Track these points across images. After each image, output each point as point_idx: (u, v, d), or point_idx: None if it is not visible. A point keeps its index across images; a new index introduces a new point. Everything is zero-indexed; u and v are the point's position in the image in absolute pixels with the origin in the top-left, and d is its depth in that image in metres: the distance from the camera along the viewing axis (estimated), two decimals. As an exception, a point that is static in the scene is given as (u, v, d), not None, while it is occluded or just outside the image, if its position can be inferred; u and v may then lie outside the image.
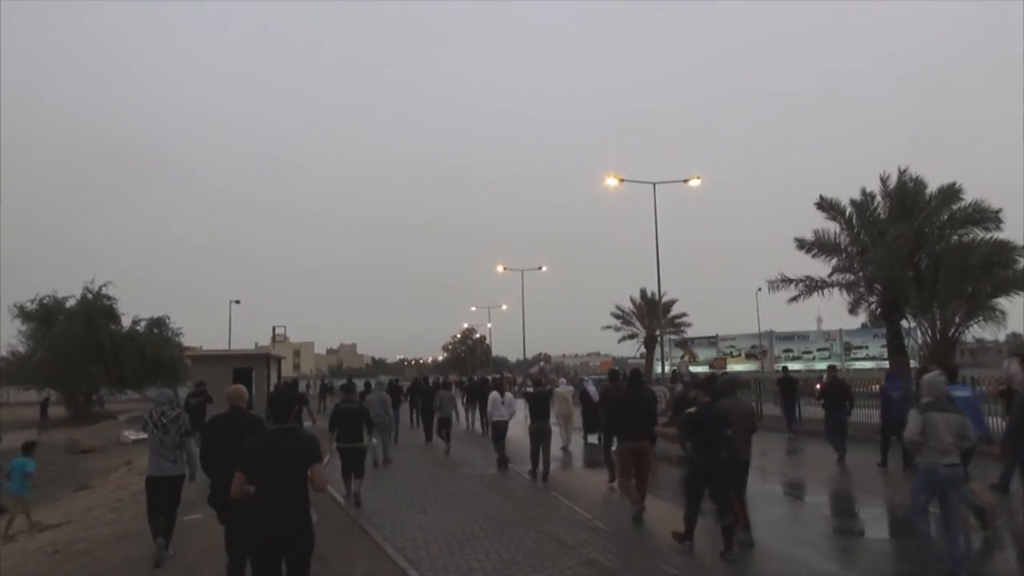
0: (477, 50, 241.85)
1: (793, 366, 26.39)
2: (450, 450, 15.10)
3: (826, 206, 18.63)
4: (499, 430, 12.71)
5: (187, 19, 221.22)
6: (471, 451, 15.31)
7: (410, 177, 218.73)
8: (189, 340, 39.73)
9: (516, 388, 21.17)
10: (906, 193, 17.88)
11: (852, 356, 31.32)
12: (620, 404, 8.79)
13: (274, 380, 21.93)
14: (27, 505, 9.90)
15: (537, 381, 12.95)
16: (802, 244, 18.85)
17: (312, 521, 4.32)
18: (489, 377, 28.09)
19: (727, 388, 7.65)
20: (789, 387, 16.83)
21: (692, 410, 7.10)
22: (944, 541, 5.73)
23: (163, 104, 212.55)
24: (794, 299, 19.04)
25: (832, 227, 18.53)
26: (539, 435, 11.14)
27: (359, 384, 16.21)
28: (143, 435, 8.64)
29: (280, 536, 4.14)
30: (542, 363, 30.16)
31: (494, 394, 13.27)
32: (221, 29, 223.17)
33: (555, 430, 12.41)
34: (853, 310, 19.19)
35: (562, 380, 18.50)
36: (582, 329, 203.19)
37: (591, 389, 15.77)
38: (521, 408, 14.70)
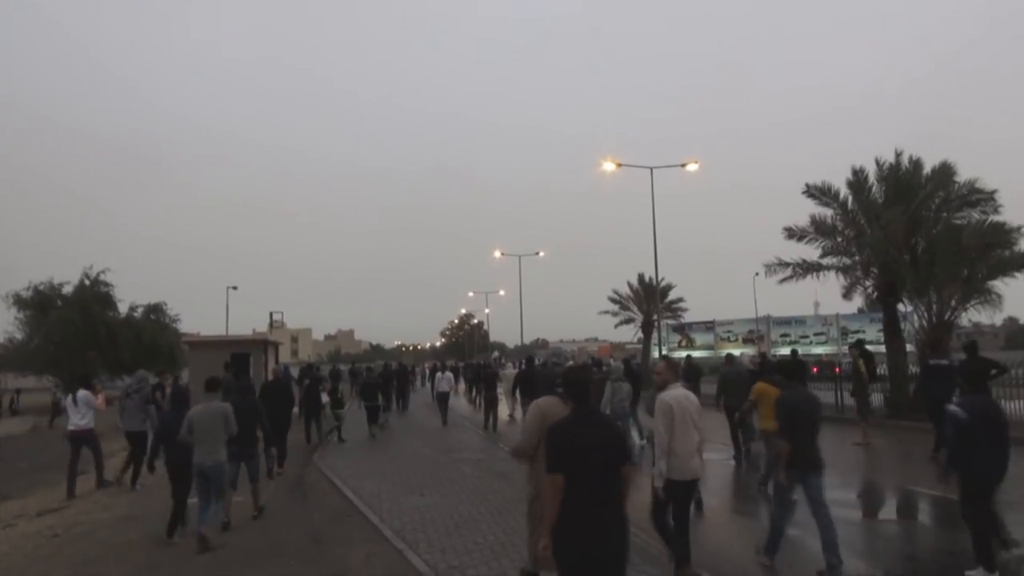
0: (474, 34, 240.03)
1: (790, 350, 26.42)
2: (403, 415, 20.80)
3: (815, 192, 18.22)
4: (442, 398, 18.11)
5: (197, 16, 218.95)
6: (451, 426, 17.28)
7: (407, 164, 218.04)
8: (187, 326, 39.44)
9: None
10: (902, 174, 17.68)
11: (849, 340, 31.34)
12: (519, 378, 16.01)
13: (272, 365, 22.12)
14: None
15: (488, 365, 19.26)
16: (792, 233, 18.54)
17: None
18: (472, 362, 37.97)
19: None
20: (691, 370, 18.56)
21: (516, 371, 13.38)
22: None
23: (168, 92, 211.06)
24: (787, 279, 18.74)
25: (823, 212, 18.14)
26: (488, 402, 16.53)
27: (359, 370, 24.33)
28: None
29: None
30: (497, 357, 37.87)
31: (438, 373, 19.53)
32: (227, 24, 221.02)
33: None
34: (847, 295, 18.99)
35: (509, 364, 25.40)
36: (580, 314, 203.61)
37: None
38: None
